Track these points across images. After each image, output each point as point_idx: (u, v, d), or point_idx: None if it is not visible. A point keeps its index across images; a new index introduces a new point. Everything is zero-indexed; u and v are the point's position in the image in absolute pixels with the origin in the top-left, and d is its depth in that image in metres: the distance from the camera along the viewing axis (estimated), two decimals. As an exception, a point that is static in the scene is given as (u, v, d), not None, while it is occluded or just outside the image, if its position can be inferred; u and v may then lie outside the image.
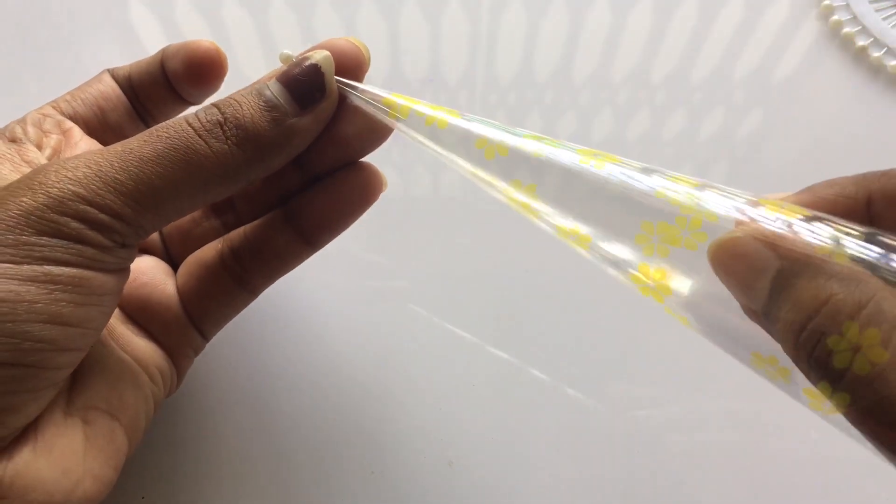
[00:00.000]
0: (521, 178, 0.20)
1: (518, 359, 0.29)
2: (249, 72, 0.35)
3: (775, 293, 0.15)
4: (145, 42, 0.36)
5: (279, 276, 0.24)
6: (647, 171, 0.18)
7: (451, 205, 0.32)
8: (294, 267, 0.24)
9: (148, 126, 0.25)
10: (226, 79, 0.24)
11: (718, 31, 0.37)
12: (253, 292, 0.24)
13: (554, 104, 0.35)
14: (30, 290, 0.16)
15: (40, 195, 0.17)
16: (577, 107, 0.35)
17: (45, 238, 0.17)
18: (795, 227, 0.15)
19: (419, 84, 0.35)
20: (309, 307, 0.30)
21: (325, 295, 0.30)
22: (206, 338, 0.24)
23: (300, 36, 0.37)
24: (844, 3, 0.37)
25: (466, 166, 0.20)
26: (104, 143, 0.24)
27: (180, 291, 0.23)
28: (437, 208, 0.32)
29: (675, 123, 0.34)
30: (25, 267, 0.16)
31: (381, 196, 0.24)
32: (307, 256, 0.24)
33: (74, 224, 0.17)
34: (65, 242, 0.17)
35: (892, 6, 0.37)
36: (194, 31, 0.37)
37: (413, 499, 0.26)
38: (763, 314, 0.16)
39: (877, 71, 0.36)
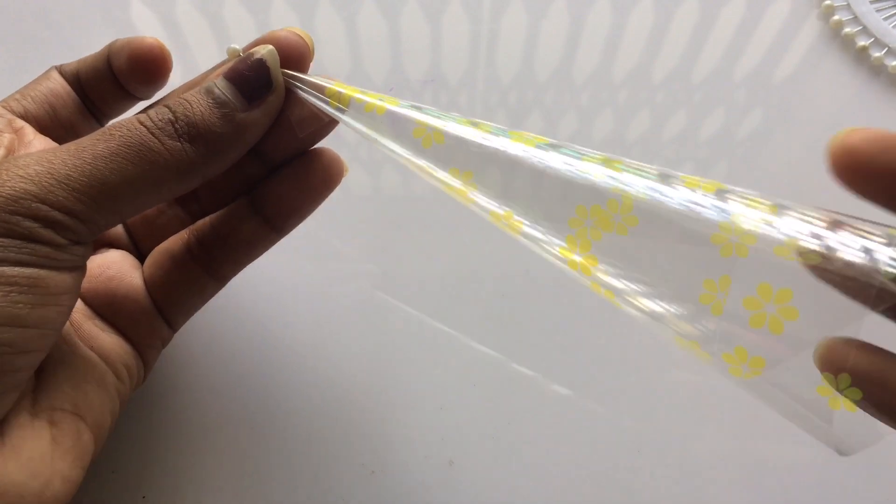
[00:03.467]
0: (458, 165, 0.20)
1: (518, 357, 0.29)
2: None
3: None
4: (146, 42, 0.36)
5: (248, 263, 0.24)
6: (565, 152, 0.19)
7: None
8: (262, 253, 0.24)
9: (100, 123, 0.25)
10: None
11: (719, 30, 0.37)
12: (222, 280, 0.24)
13: (555, 104, 0.35)
14: None
15: None
16: (578, 107, 0.35)
17: None
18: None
19: (420, 84, 0.35)
20: (306, 303, 0.30)
21: (323, 291, 0.30)
22: (173, 328, 0.24)
23: (301, 36, 0.37)
24: (845, 4, 0.37)
25: (405, 154, 0.21)
26: (57, 140, 0.24)
27: (148, 283, 0.23)
28: (439, 207, 0.32)
29: (676, 123, 0.34)
30: None
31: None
32: (274, 242, 0.24)
33: (27, 223, 0.17)
34: (18, 242, 0.16)
35: (893, 6, 0.37)
36: (195, 31, 0.37)
37: (413, 498, 0.26)
38: None
39: (878, 71, 0.36)
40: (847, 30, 0.36)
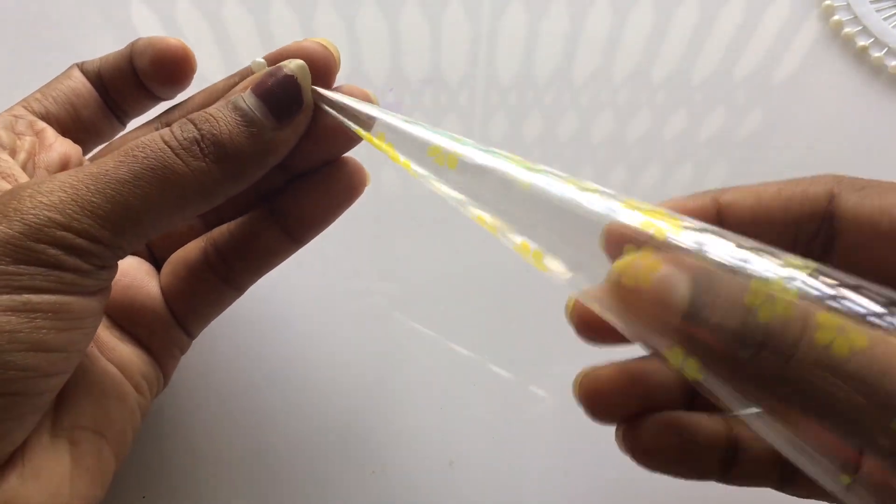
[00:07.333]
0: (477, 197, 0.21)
1: (518, 357, 0.29)
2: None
3: (698, 305, 0.14)
4: (146, 41, 0.36)
5: (266, 272, 0.24)
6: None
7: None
8: (280, 262, 0.24)
9: (122, 123, 0.25)
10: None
11: (719, 31, 0.37)
12: (240, 289, 0.24)
13: (555, 104, 0.35)
14: (10, 319, 0.16)
15: (16, 223, 0.16)
16: (578, 107, 0.35)
17: (22, 266, 0.16)
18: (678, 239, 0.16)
19: (420, 84, 0.35)
20: (306, 304, 0.30)
21: (323, 293, 0.30)
22: (191, 336, 0.24)
23: (300, 36, 0.37)
24: (845, 4, 0.37)
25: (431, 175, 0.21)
26: (78, 141, 0.23)
27: (165, 292, 0.23)
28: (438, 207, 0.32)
29: (676, 123, 0.34)
30: (4, 297, 0.16)
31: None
32: (292, 252, 0.24)
33: (52, 251, 0.17)
34: (43, 270, 0.16)
35: (892, 6, 0.37)
36: (195, 31, 0.37)
37: (413, 499, 0.26)
38: (685, 327, 0.15)
39: (877, 71, 0.36)
40: (847, 30, 0.36)
